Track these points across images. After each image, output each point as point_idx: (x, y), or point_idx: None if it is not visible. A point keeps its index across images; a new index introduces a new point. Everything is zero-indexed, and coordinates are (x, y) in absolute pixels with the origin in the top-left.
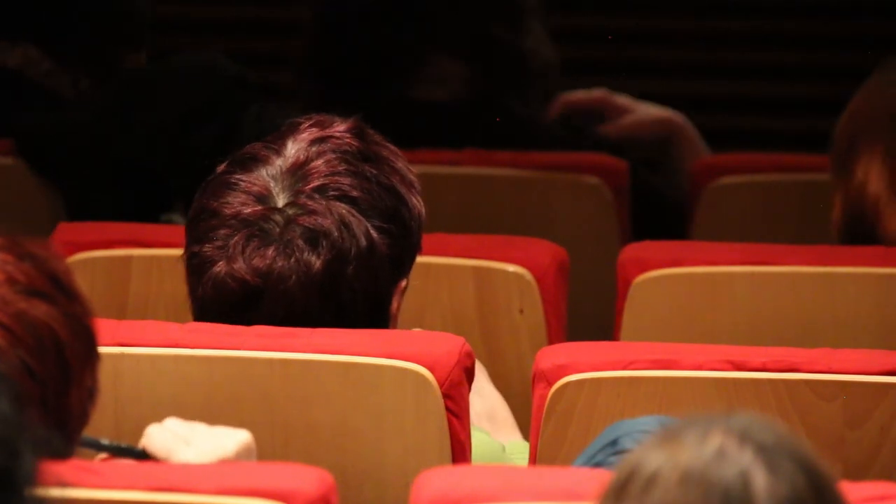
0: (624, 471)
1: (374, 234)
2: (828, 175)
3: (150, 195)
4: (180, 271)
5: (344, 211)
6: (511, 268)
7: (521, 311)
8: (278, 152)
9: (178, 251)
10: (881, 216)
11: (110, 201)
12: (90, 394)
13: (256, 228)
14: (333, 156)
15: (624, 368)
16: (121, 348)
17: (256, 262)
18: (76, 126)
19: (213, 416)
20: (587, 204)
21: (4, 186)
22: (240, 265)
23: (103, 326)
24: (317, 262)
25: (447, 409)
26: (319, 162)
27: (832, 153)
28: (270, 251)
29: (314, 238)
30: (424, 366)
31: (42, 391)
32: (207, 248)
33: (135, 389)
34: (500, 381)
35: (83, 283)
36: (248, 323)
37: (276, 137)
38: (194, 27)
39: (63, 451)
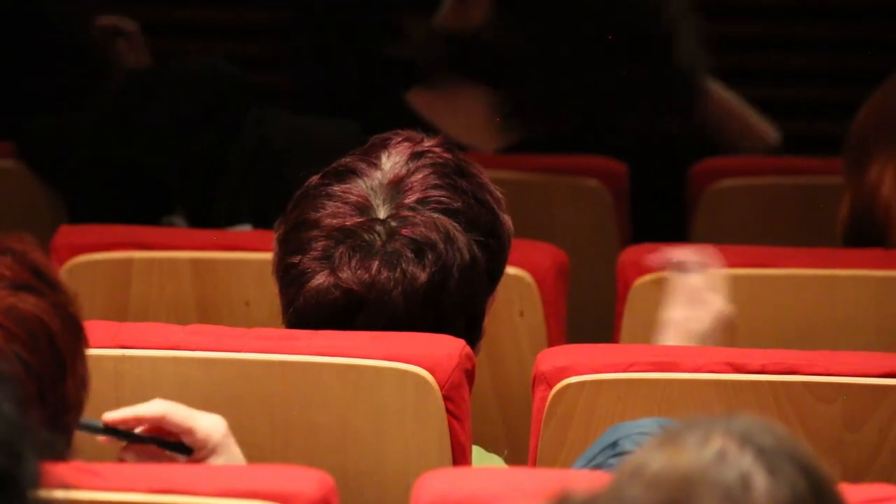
0: (624, 472)
1: (475, 248)
2: (827, 177)
3: (151, 198)
4: (181, 273)
5: (448, 224)
6: (511, 270)
7: (522, 314)
8: (375, 166)
9: (180, 253)
10: (891, 220)
11: (111, 204)
12: (83, 382)
13: (359, 240)
14: (431, 170)
15: (624, 370)
16: (122, 350)
17: (361, 273)
18: (77, 129)
19: None
20: (587, 206)
21: (6, 189)
22: (346, 275)
23: (104, 329)
24: (422, 275)
25: (447, 410)
26: (419, 176)
27: (846, 150)
28: (375, 262)
29: (420, 250)
30: (425, 368)
31: (39, 384)
32: (308, 258)
33: (136, 391)
34: (501, 384)
35: (84, 286)
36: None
37: (367, 151)
38: (194, 30)
39: (63, 449)
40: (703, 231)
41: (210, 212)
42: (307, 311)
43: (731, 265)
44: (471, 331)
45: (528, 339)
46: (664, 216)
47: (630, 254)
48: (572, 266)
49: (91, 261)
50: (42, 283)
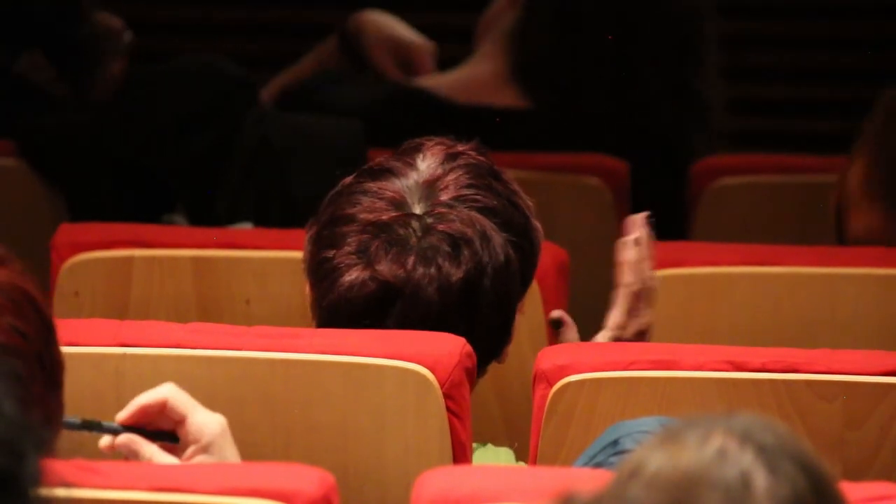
0: (625, 471)
1: (510, 248)
2: (828, 176)
3: (152, 196)
4: (182, 271)
5: (485, 223)
6: None
7: (522, 312)
8: (411, 166)
9: (180, 251)
10: (849, 215)
11: (112, 202)
12: (58, 340)
13: (395, 234)
14: (465, 171)
15: (624, 369)
16: (122, 349)
17: (396, 267)
18: (78, 127)
19: None
20: (587, 205)
21: (7, 187)
22: (383, 268)
23: (105, 327)
24: (457, 272)
25: (448, 409)
26: (454, 176)
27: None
28: (411, 258)
29: (456, 244)
30: (425, 366)
31: (36, 349)
32: (342, 253)
33: (137, 390)
34: (501, 382)
35: (85, 284)
36: (382, 326)
37: (401, 154)
38: (193, 30)
39: (59, 408)
40: (703, 229)
41: (211, 210)
42: (340, 305)
43: (732, 263)
44: (502, 332)
45: (528, 337)
46: (669, 217)
47: None
48: (573, 264)
49: (91, 259)
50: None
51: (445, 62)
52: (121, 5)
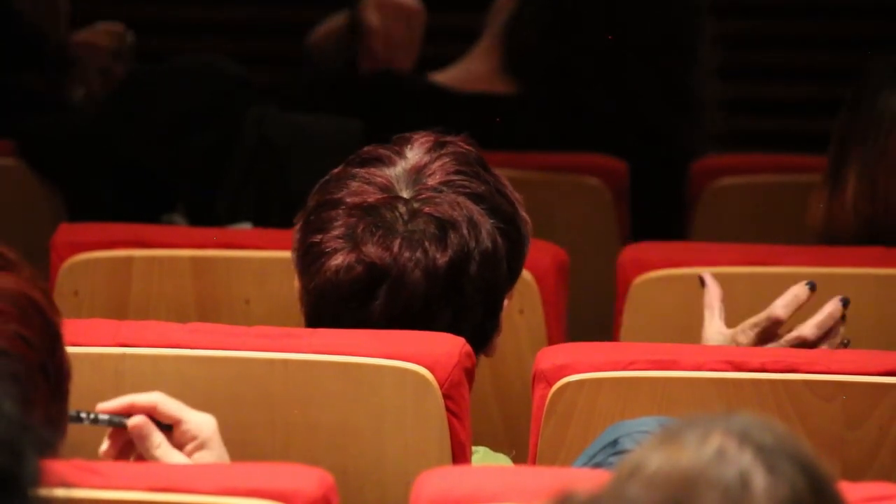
0: (624, 470)
1: (497, 235)
2: None
3: (152, 196)
4: (181, 271)
5: (473, 208)
6: None
7: (521, 312)
8: (399, 154)
9: (180, 251)
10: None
11: (112, 202)
12: (66, 350)
13: (381, 217)
14: (453, 158)
15: (624, 369)
16: (122, 349)
17: (382, 251)
18: (78, 127)
19: (213, 416)
20: (587, 205)
21: (6, 187)
22: (369, 249)
23: (105, 327)
24: (443, 256)
25: (447, 409)
26: (441, 163)
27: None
28: (397, 241)
29: (443, 229)
30: (425, 366)
31: (40, 358)
32: (330, 236)
33: (136, 390)
34: (500, 382)
35: (84, 284)
36: (367, 314)
37: (391, 144)
38: (192, 29)
39: (63, 418)
40: (702, 229)
41: (210, 210)
42: (326, 290)
43: (731, 263)
44: (488, 321)
45: (527, 337)
46: (664, 214)
47: (630, 252)
48: (572, 264)
49: (91, 259)
50: (9, 262)
51: (446, 62)
52: (121, 5)
